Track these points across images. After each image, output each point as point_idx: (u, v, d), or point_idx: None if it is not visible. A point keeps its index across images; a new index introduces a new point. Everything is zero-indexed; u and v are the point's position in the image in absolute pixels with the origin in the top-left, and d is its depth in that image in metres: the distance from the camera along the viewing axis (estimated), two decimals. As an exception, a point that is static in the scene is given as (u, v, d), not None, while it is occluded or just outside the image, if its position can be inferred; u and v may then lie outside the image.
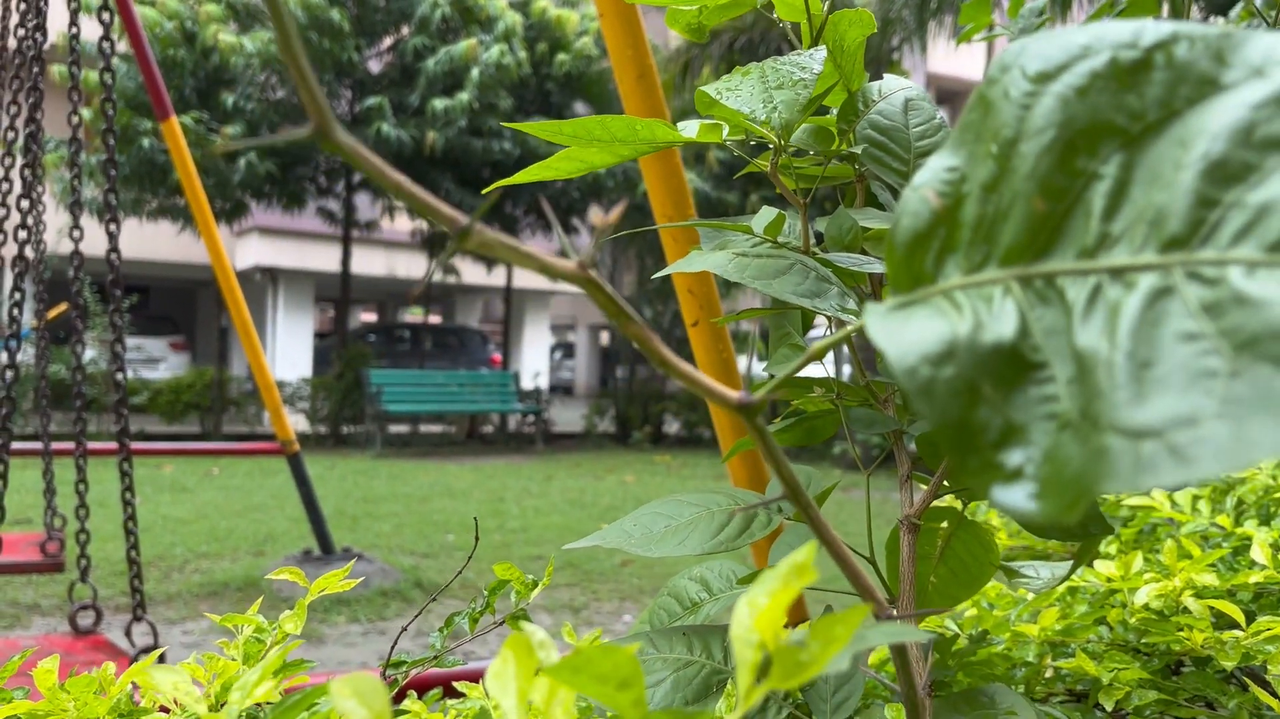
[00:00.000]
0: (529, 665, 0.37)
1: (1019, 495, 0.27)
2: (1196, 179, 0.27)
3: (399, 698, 0.97)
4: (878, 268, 0.76)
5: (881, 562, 0.91)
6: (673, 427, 16.40)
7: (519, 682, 0.36)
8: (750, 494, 0.82)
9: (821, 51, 0.76)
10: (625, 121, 0.77)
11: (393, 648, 0.77)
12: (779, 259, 0.73)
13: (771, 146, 0.79)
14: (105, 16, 3.05)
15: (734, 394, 0.38)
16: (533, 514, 8.37)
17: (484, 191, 0.81)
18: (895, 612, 0.81)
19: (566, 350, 29.67)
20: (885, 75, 0.89)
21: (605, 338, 25.06)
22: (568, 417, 18.25)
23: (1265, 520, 1.40)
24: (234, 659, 0.83)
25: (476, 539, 0.79)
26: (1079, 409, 0.26)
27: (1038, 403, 0.27)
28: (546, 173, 0.86)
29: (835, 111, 0.88)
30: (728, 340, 1.89)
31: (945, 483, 0.84)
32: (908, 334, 0.30)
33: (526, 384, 17.48)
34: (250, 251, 16.98)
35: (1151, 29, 0.31)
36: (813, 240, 0.81)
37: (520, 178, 0.87)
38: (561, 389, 27.05)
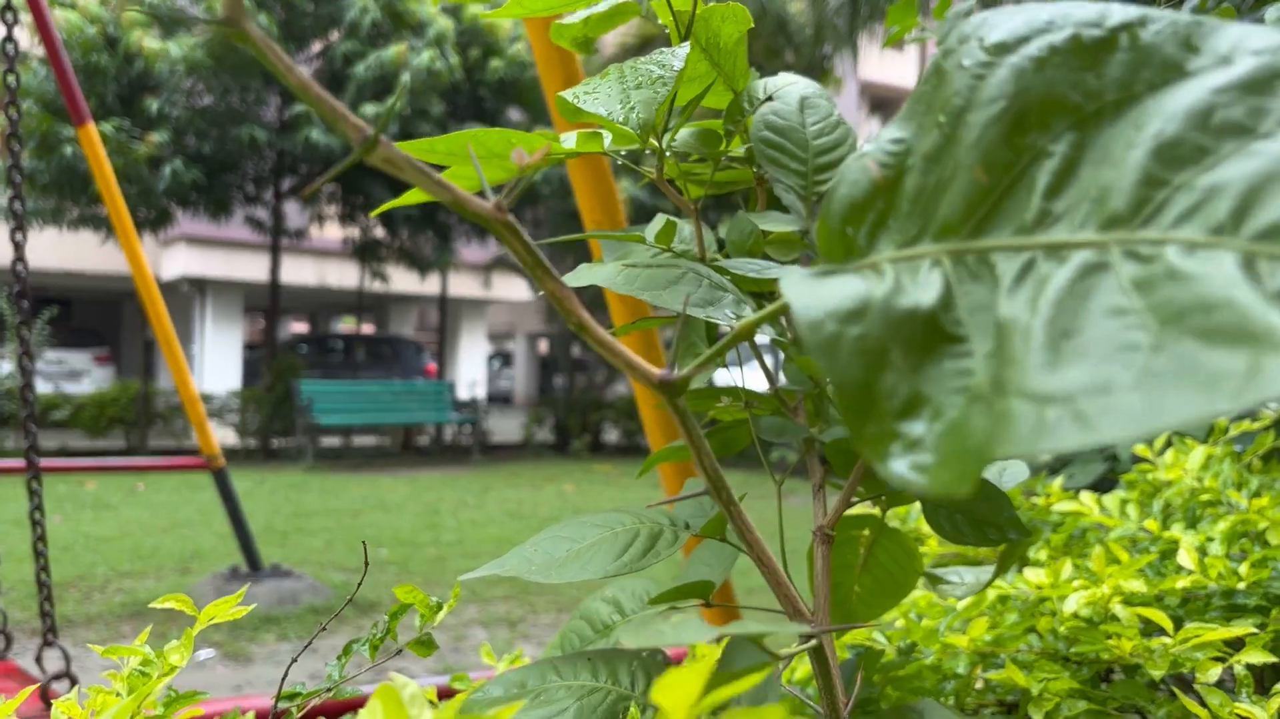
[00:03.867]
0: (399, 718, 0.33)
1: (910, 467, 0.25)
2: (1146, 158, 0.26)
3: (305, 727, 0.92)
4: (777, 273, 0.73)
5: (802, 573, 0.89)
6: (612, 435, 16.36)
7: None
8: (659, 514, 0.79)
9: (684, 49, 0.73)
10: (501, 135, 0.74)
11: (284, 678, 0.73)
12: (670, 269, 0.70)
13: (653, 152, 0.76)
14: (9, 17, 2.94)
15: (656, 370, 0.35)
16: (469, 526, 8.27)
17: (372, 214, 0.77)
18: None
19: (504, 359, 29.50)
20: (780, 75, 0.86)
21: (544, 346, 24.96)
22: (506, 426, 18.12)
23: (1192, 523, 1.40)
24: (118, 694, 0.78)
25: (366, 564, 0.74)
26: (990, 380, 0.25)
27: (951, 376, 0.26)
28: (421, 196, 0.82)
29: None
30: (660, 348, 1.87)
31: (859, 491, 0.81)
32: (820, 291, 0.28)
33: (463, 394, 17.33)
34: (177, 262, 16.62)
35: (1119, 10, 0.29)
36: (717, 247, 0.78)
37: (407, 199, 0.83)
38: (499, 399, 26.87)
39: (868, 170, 0.31)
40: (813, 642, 0.36)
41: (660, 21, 0.83)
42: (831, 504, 0.84)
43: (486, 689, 0.73)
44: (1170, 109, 0.26)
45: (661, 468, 1.84)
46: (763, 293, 0.81)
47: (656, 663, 0.73)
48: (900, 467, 0.25)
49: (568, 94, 0.73)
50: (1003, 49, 0.30)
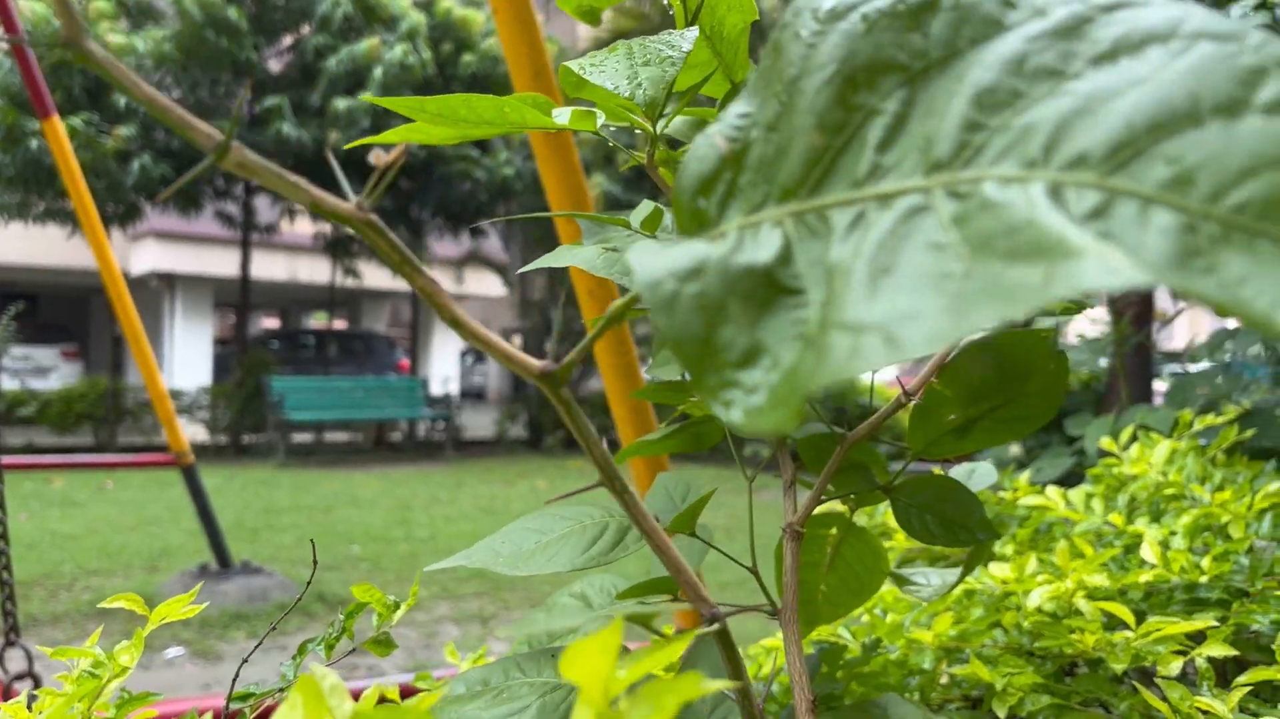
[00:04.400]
0: (318, 714, 0.32)
1: (744, 411, 0.26)
2: (966, 106, 0.27)
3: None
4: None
5: (770, 570, 0.88)
6: (585, 431, 16.32)
7: (306, 737, 0.32)
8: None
9: (693, 31, 0.72)
10: (492, 102, 0.73)
11: (235, 677, 0.71)
12: (652, 254, 0.69)
13: (647, 136, 0.75)
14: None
15: (536, 363, 0.35)
16: (442, 522, 8.24)
17: (346, 146, 0.75)
18: (779, 622, 0.77)
19: (478, 355, 29.40)
20: None
21: (518, 342, 24.91)
22: (479, 422, 18.06)
23: (1156, 517, 1.41)
24: (66, 694, 0.76)
25: (315, 561, 0.73)
26: (818, 322, 0.26)
27: (789, 326, 0.27)
28: (416, 135, 0.80)
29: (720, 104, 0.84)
30: (630, 344, 1.86)
31: (829, 489, 0.81)
32: (662, 255, 0.29)
33: (436, 390, 17.26)
34: (146, 257, 16.45)
35: (941, -27, 0.31)
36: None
37: (386, 137, 0.81)
38: (473, 395, 26.79)
39: (715, 145, 0.32)
40: (716, 625, 0.35)
41: (669, 6, 0.82)
42: (802, 501, 0.83)
43: (450, 687, 0.72)
44: (989, 59, 0.28)
45: (633, 463, 1.83)
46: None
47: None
48: (736, 413, 0.26)
49: (574, 65, 0.72)
50: (833, 16, 0.32)
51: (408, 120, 0.79)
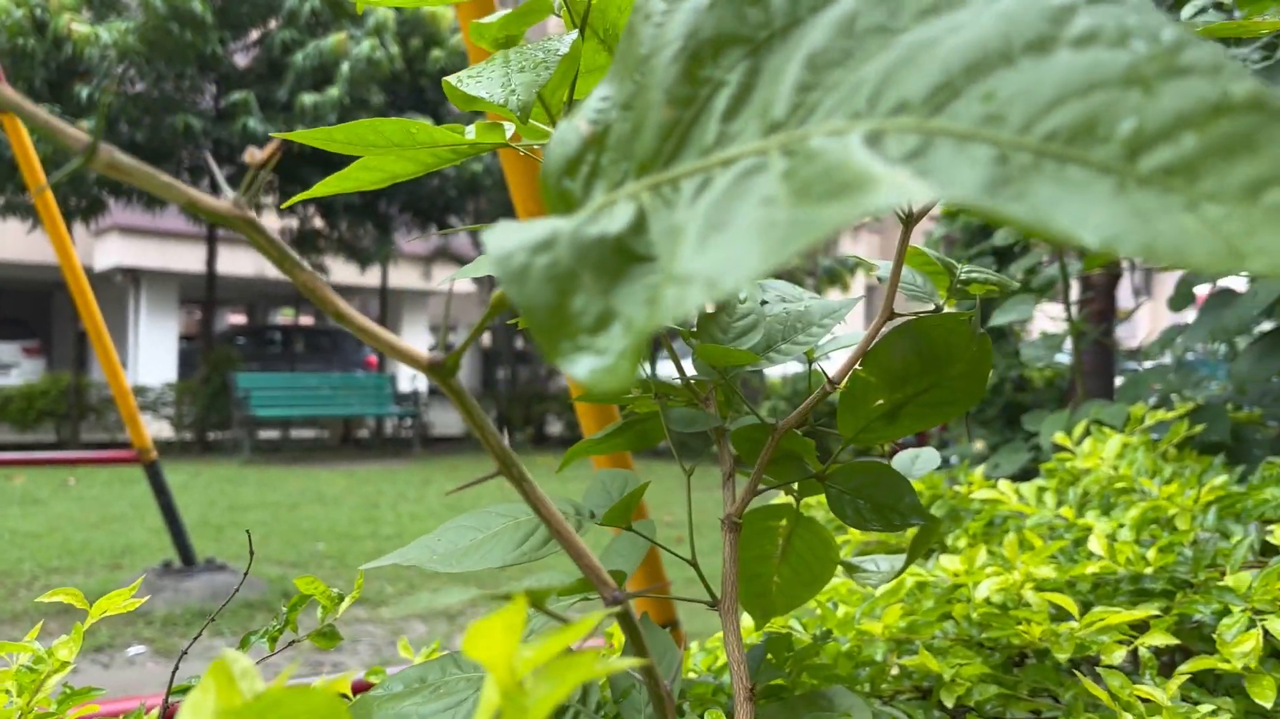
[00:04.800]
0: (231, 697, 0.32)
1: (589, 371, 0.27)
2: (799, 69, 0.29)
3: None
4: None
5: (717, 563, 0.89)
6: (555, 428, 16.31)
7: (215, 717, 0.32)
8: (565, 503, 0.78)
9: (570, 35, 0.72)
10: (399, 125, 0.73)
11: (174, 671, 0.71)
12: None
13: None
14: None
15: (424, 354, 0.35)
16: (408, 520, 8.20)
17: (283, 206, 0.75)
18: (719, 613, 0.78)
19: (446, 352, 29.25)
20: None
21: (486, 339, 24.83)
22: (447, 419, 17.99)
23: (1106, 511, 1.42)
24: (7, 691, 0.76)
25: (251, 552, 0.73)
26: (661, 279, 0.27)
27: (641, 291, 0.28)
28: (346, 184, 0.81)
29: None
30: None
31: (765, 478, 0.81)
32: (517, 232, 0.29)
33: (404, 386, 17.17)
34: (110, 252, 16.26)
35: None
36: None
37: (317, 190, 0.82)
38: (441, 392, 26.64)
39: (577, 129, 0.33)
40: (618, 607, 0.36)
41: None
42: (740, 494, 0.84)
43: (387, 685, 0.72)
44: (822, 22, 0.29)
45: (596, 461, 1.83)
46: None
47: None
48: (580, 370, 0.27)
49: (453, 79, 0.72)
50: None
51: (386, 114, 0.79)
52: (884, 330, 0.74)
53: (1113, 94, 0.24)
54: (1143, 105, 0.23)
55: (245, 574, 0.76)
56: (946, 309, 0.79)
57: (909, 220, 0.72)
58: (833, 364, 0.89)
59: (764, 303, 0.86)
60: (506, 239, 0.28)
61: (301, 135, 0.73)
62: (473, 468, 12.17)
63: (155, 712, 0.90)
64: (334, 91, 12.17)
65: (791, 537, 0.98)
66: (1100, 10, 0.25)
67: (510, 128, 0.77)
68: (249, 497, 9.29)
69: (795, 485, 0.90)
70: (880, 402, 0.75)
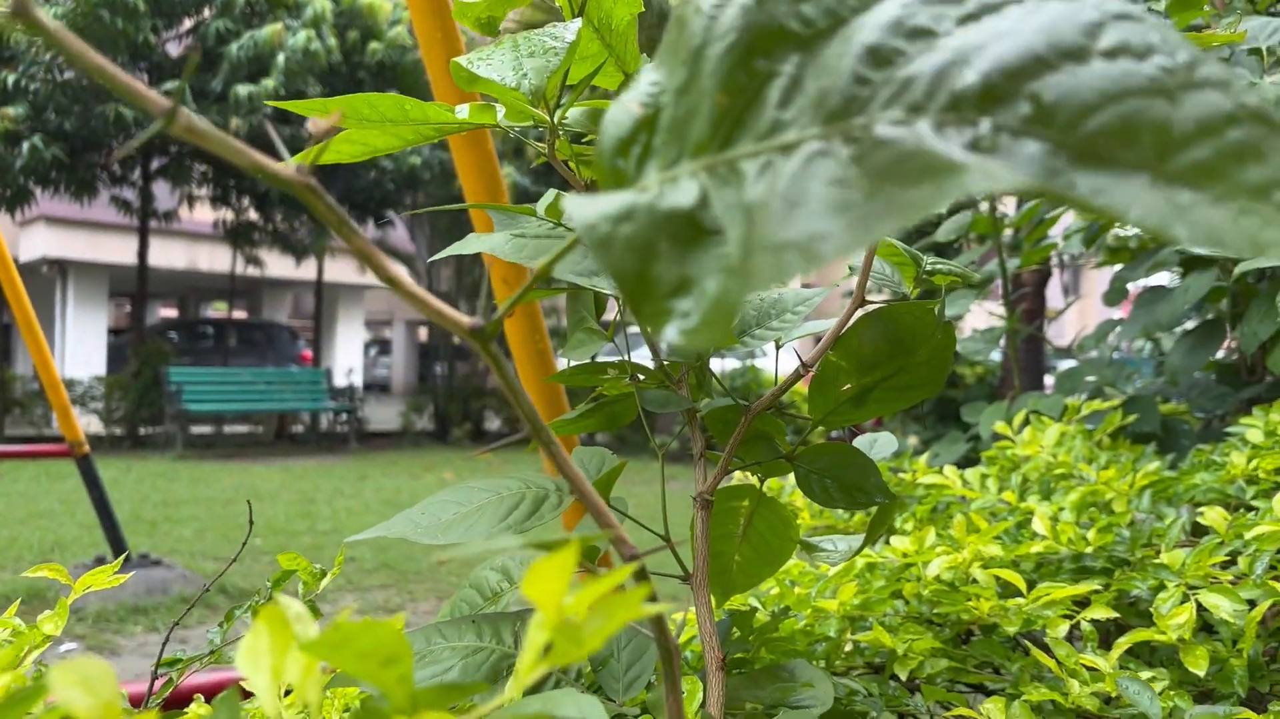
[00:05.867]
0: (284, 641, 0.35)
1: (679, 332, 0.30)
2: (855, 63, 0.32)
3: (184, 700, 0.91)
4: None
5: (686, 546, 0.92)
6: (494, 423, 16.24)
7: (273, 658, 0.34)
8: (546, 479, 0.81)
9: (576, 23, 0.75)
10: (394, 100, 0.75)
11: (164, 646, 0.72)
12: (557, 239, 0.72)
13: (547, 129, 0.78)
14: None
15: (465, 319, 0.37)
16: (345, 515, 8.13)
17: (295, 159, 0.76)
18: (691, 587, 0.81)
19: (382, 347, 29.00)
20: None
21: (423, 334, 24.64)
22: (384, 415, 17.83)
23: (1046, 495, 1.48)
24: (-14, 667, 0.76)
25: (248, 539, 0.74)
26: (740, 252, 0.30)
27: (712, 259, 0.30)
28: (327, 155, 0.82)
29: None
30: (544, 331, 1.88)
31: (735, 459, 0.85)
32: (595, 202, 0.32)
33: (340, 381, 16.98)
34: (36, 242, 15.86)
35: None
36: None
37: (298, 159, 0.83)
38: (378, 387, 26.41)
39: (630, 110, 0.36)
40: (642, 559, 0.39)
41: (556, 4, 0.84)
42: (712, 472, 0.87)
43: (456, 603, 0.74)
44: (871, 23, 0.32)
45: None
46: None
47: (540, 623, 0.75)
48: (672, 333, 0.29)
49: (463, 60, 0.74)
50: None
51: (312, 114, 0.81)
52: (854, 317, 0.78)
53: (1143, 101, 0.28)
54: (1169, 112, 0.27)
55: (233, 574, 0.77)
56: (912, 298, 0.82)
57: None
58: (778, 362, 0.92)
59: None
60: (587, 208, 0.31)
61: (295, 105, 0.75)
62: (410, 463, 12.08)
63: (124, 692, 0.91)
64: (269, 83, 11.99)
65: (753, 516, 1.01)
66: (1126, 26, 0.29)
67: (501, 110, 0.79)
68: (182, 492, 9.13)
69: (759, 464, 0.93)
70: (848, 386, 0.79)
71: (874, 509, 0.95)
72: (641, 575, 0.45)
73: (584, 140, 0.88)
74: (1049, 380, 3.44)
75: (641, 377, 0.92)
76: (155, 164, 13.64)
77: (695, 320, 0.29)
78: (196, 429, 14.27)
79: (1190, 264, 1.92)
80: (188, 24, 13.11)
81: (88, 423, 13.41)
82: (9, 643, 0.75)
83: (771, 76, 0.33)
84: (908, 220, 0.27)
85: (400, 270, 0.38)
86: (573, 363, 0.99)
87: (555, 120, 0.74)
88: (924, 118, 0.29)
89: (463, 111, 0.76)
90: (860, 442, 0.96)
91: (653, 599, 0.48)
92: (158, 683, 0.74)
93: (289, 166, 0.34)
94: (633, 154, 0.35)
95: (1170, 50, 0.28)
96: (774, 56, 0.33)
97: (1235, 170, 0.27)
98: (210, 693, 1.36)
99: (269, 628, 0.35)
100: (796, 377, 0.81)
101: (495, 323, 0.40)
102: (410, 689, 0.31)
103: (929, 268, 0.81)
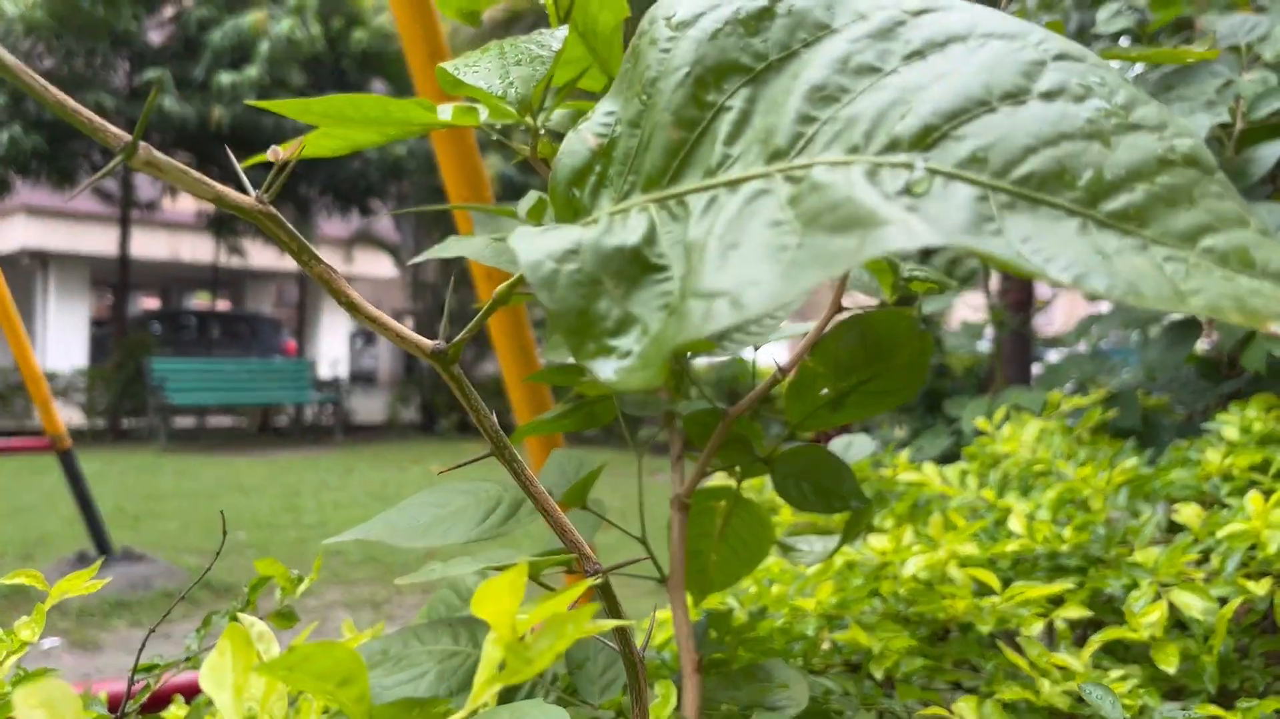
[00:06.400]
0: (247, 659, 0.35)
1: (615, 371, 0.30)
2: (800, 101, 0.32)
3: (162, 703, 0.91)
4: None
5: (661, 543, 0.92)
6: (478, 414, 16.20)
7: (235, 676, 0.34)
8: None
9: (562, 30, 0.75)
10: (378, 101, 0.75)
11: (141, 650, 0.72)
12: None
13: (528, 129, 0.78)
14: None
15: (428, 342, 0.38)
16: (331, 508, 8.12)
17: (244, 165, 0.76)
18: (667, 589, 0.81)
19: (368, 338, 28.93)
20: None
21: (410, 324, 24.56)
22: (370, 406, 17.79)
23: (1025, 492, 1.49)
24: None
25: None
26: (679, 292, 0.30)
27: (656, 298, 0.31)
28: (308, 149, 0.82)
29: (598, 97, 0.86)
30: (527, 327, 1.88)
31: (714, 462, 0.85)
32: (541, 239, 0.32)
33: (324, 373, 16.94)
34: (16, 233, 15.76)
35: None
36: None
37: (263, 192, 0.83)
38: (363, 378, 26.34)
39: (585, 140, 0.36)
40: (600, 578, 0.39)
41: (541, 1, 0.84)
42: (689, 475, 0.88)
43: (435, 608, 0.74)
44: (819, 59, 0.33)
45: (528, 442, 1.86)
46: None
47: (517, 627, 0.75)
48: (607, 371, 0.30)
49: (449, 66, 0.74)
50: (684, 25, 0.36)
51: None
52: (832, 323, 0.79)
53: (1077, 145, 0.28)
54: (1102, 156, 0.28)
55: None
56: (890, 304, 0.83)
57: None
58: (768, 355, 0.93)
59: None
60: (532, 245, 0.31)
61: (278, 105, 0.75)
62: (397, 455, 12.07)
63: (104, 694, 0.91)
64: (252, 71, 11.94)
65: (730, 517, 1.02)
66: (1065, 66, 0.29)
67: (484, 111, 0.79)
68: (166, 485, 9.10)
69: (736, 468, 0.94)
70: (826, 390, 0.79)
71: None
72: (607, 588, 0.46)
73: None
74: (1037, 370, 3.46)
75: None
76: (137, 154, 13.54)
77: (634, 360, 0.29)
78: (180, 422, 14.21)
79: (1168, 260, 1.92)
80: (169, 11, 13.02)
81: (70, 415, 13.34)
82: (-15, 649, 0.75)
83: (722, 111, 0.33)
84: (834, 272, 0.27)
85: (358, 295, 0.38)
86: (552, 362, 0.99)
87: (539, 123, 0.74)
88: (861, 161, 0.29)
89: (446, 113, 0.77)
90: (836, 444, 0.97)
91: (617, 611, 0.48)
92: (136, 687, 0.74)
93: (249, 198, 0.35)
94: (588, 184, 0.36)
95: (1108, 93, 0.28)
96: (724, 90, 0.34)
97: (1164, 215, 0.27)
98: (189, 692, 1.36)
99: (232, 647, 0.35)
100: (774, 381, 0.81)
101: (457, 346, 0.40)
102: (367, 707, 0.32)
103: (907, 274, 0.81)
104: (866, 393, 0.79)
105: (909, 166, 0.29)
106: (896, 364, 0.78)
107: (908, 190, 0.28)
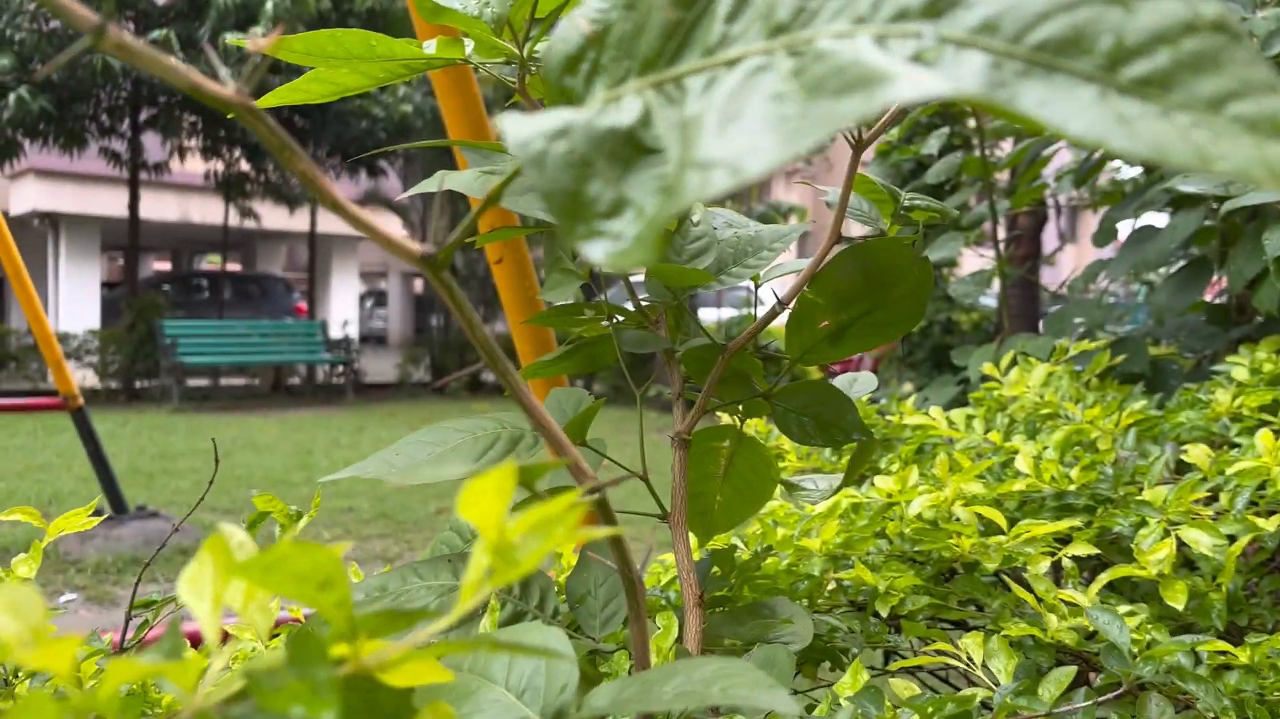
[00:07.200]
0: (227, 569, 0.34)
1: (607, 253, 0.29)
2: None
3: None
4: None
5: (664, 488, 0.92)
6: (490, 374, 16.25)
7: (215, 586, 0.34)
8: (518, 418, 0.80)
9: None
10: (360, 37, 0.73)
11: (135, 587, 0.72)
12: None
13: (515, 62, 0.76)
14: None
15: (416, 246, 0.37)
16: (342, 466, 8.10)
17: (260, 102, 0.75)
18: (669, 526, 0.81)
19: (378, 299, 28.94)
20: None
21: (419, 286, 24.58)
22: (380, 367, 17.83)
23: (1032, 435, 1.48)
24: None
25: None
26: (675, 169, 0.29)
27: (651, 180, 0.30)
28: (295, 95, 0.81)
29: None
30: (533, 278, 1.87)
31: (713, 399, 0.84)
32: (531, 120, 0.31)
33: (335, 333, 16.97)
34: (26, 196, 15.75)
35: None
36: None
37: (266, 100, 0.81)
38: (374, 339, 26.38)
39: (578, 27, 0.35)
40: (597, 495, 0.38)
41: None
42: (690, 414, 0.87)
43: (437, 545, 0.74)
44: None
45: (533, 385, 1.85)
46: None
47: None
48: (598, 253, 0.29)
49: None
50: None
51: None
52: (832, 253, 0.77)
53: (1095, 9, 0.27)
54: (1123, 22, 0.26)
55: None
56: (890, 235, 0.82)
57: (858, 145, 0.74)
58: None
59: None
60: (523, 127, 0.30)
61: (259, 45, 0.73)
62: (408, 414, 12.11)
63: (109, 637, 0.91)
64: (258, 31, 11.84)
65: (734, 457, 1.01)
66: None
67: (470, 45, 0.77)
68: (179, 445, 9.16)
69: (740, 408, 0.93)
70: (825, 323, 0.78)
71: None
72: (605, 507, 0.45)
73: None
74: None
75: (620, 318, 0.91)
76: (144, 115, 13.52)
77: (627, 242, 0.28)
78: (193, 382, 14.27)
79: (1179, 203, 1.91)
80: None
81: (83, 376, 13.41)
82: None
83: None
84: (833, 130, 0.26)
85: (343, 197, 0.37)
86: (550, 303, 0.98)
87: (524, 54, 0.72)
88: (867, 31, 0.28)
89: (430, 46, 0.75)
90: (840, 380, 0.95)
91: (615, 534, 0.47)
92: (132, 625, 0.74)
93: (228, 87, 0.33)
94: (581, 71, 0.35)
95: (1130, -47, 0.27)
96: None
97: (1190, 81, 0.26)
98: (195, 639, 1.36)
99: (211, 555, 0.34)
100: (773, 314, 0.80)
101: (447, 250, 0.39)
102: (348, 613, 0.31)
103: (906, 203, 0.80)
104: (867, 324, 0.78)
105: (918, 35, 0.28)
106: (897, 294, 0.77)
107: (917, 58, 0.27)
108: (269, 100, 0.78)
